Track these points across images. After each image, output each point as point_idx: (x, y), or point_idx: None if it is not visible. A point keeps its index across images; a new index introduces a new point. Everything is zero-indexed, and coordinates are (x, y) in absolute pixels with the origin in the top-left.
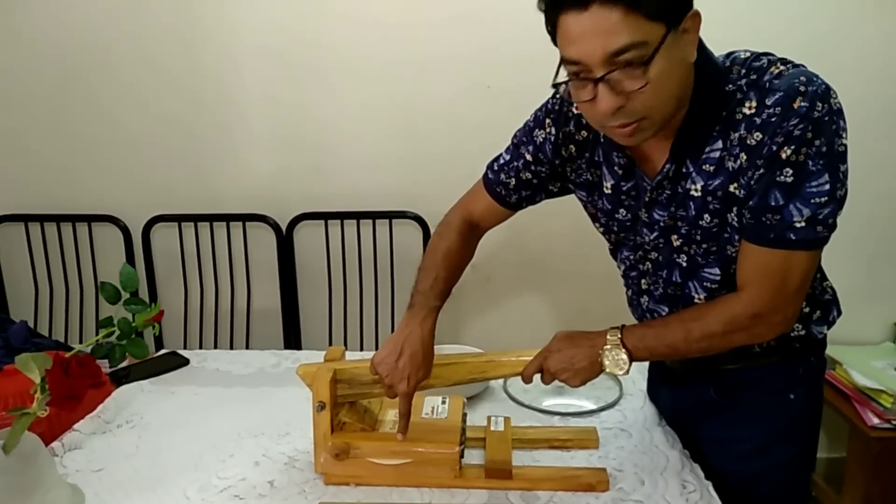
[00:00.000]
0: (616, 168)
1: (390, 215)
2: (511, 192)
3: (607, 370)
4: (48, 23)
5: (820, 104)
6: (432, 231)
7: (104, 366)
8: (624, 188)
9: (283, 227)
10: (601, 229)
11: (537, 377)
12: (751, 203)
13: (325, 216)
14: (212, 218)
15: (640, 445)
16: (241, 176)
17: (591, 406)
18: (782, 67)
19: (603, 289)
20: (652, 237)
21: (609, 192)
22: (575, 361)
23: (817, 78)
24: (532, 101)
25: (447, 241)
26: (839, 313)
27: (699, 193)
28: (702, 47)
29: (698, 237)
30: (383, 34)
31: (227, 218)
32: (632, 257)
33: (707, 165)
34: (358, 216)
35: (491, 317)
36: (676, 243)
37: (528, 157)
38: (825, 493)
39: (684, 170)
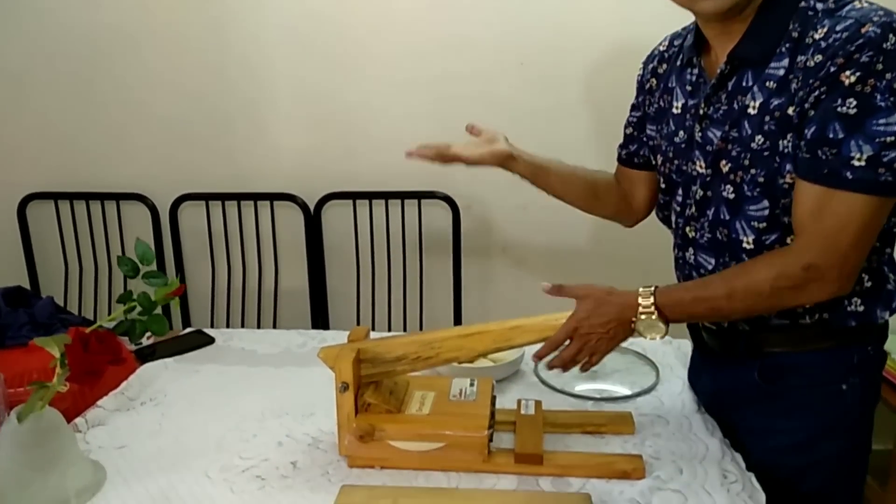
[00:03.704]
0: (687, 86)
1: (419, 195)
2: (626, 144)
3: (642, 333)
4: (76, 4)
5: (893, 36)
6: (461, 212)
7: (128, 343)
8: (689, 105)
9: (311, 207)
10: (659, 164)
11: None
12: (807, 134)
13: (354, 196)
14: (239, 197)
15: (677, 433)
16: (269, 155)
17: (626, 391)
18: (866, 4)
19: (640, 273)
20: (703, 163)
21: (677, 111)
22: (606, 322)
23: None
24: (564, 79)
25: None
26: None
27: (756, 112)
28: None
29: (747, 161)
30: (413, 13)
31: (255, 197)
32: (680, 201)
33: (770, 82)
34: (386, 196)
35: (522, 304)
36: (725, 169)
37: (634, 101)
38: (869, 487)
39: (744, 83)
